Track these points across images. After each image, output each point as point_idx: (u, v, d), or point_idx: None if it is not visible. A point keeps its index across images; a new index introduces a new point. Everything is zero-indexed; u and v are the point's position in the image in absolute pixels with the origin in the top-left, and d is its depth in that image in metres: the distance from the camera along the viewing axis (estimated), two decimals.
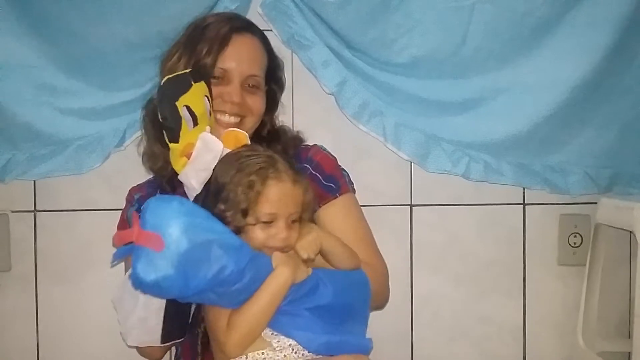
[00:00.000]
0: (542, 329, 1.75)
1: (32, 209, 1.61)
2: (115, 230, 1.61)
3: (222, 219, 1.10)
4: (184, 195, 1.19)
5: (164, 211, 1.04)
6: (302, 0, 1.52)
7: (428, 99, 1.61)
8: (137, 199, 1.39)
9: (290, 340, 1.10)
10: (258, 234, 1.12)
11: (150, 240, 1.00)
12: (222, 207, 1.11)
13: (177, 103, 1.16)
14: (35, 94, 1.49)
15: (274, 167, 1.13)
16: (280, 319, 1.10)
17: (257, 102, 1.36)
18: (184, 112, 1.16)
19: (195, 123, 1.18)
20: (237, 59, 1.32)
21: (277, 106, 1.47)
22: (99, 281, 1.63)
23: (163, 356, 1.40)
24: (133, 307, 1.15)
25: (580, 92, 1.56)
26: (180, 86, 1.18)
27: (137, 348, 1.28)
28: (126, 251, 1.04)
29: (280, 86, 1.47)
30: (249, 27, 1.39)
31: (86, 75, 1.51)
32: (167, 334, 1.19)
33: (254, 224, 1.11)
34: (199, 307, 1.24)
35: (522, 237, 1.74)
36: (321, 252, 1.18)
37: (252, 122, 1.36)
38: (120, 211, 1.59)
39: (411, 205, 1.72)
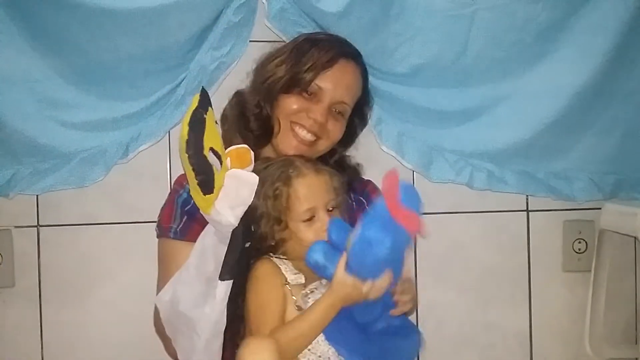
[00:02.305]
0: (548, 336, 1.74)
1: (35, 224, 1.61)
2: (119, 244, 1.61)
3: (266, 236, 1.11)
4: None
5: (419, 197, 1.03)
6: (304, 10, 1.52)
7: (430, 108, 1.61)
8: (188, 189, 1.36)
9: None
10: (307, 234, 1.11)
11: (407, 218, 0.98)
12: (261, 225, 1.10)
13: (204, 153, 0.99)
14: (38, 107, 1.48)
15: (292, 166, 1.13)
16: None
17: (336, 128, 1.36)
18: (211, 158, 1.00)
19: (221, 162, 1.04)
20: (335, 83, 1.33)
21: (354, 141, 1.47)
22: (104, 296, 1.61)
23: None
24: (191, 348, 1.13)
25: (582, 98, 1.56)
26: (200, 127, 1.00)
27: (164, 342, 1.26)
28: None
29: (363, 122, 1.48)
30: (356, 57, 1.39)
31: (89, 88, 1.50)
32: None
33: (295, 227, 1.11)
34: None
35: (527, 244, 1.74)
36: None
37: (324, 145, 1.36)
38: (125, 223, 1.60)
39: None
